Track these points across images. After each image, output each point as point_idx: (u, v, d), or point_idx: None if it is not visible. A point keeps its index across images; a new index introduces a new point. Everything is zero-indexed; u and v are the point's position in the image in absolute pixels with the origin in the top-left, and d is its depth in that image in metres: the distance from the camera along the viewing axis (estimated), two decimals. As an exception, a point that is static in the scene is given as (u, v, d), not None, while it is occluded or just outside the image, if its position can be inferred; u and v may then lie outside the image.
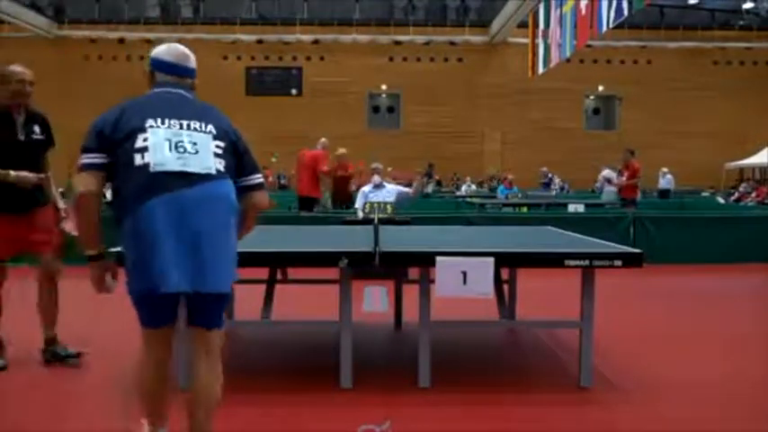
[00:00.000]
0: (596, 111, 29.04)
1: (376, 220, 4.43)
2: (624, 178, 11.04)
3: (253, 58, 27.08)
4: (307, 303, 4.91)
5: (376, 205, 7.20)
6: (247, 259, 2.82)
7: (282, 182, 23.78)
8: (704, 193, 21.53)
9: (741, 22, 27.21)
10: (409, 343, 4.09)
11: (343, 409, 3.25)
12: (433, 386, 3.52)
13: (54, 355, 3.91)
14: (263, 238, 3.77)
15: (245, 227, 2.56)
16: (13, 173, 3.69)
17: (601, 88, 27.45)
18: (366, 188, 8.26)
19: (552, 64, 14.86)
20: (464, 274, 3.22)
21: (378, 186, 8.10)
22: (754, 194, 19.32)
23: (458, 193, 20.07)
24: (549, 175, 16.69)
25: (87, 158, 2.35)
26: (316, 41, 26.67)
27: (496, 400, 3.39)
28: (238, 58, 26.89)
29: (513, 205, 12.62)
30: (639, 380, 3.73)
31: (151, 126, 2.33)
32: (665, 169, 19.19)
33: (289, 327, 4.63)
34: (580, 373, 3.58)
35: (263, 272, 4.50)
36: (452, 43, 26.90)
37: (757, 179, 24.33)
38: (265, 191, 2.63)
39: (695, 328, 5.19)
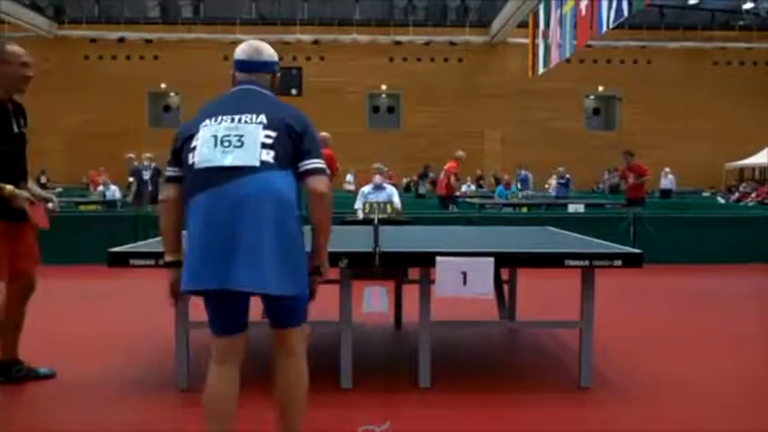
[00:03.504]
0: (596, 111, 29.01)
1: (376, 220, 4.42)
2: (631, 179, 10.98)
3: (253, 59, 27.05)
4: (307, 303, 4.90)
5: (376, 205, 7.20)
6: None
7: None
8: (705, 194, 21.54)
9: (741, 23, 27.18)
10: (409, 343, 4.09)
11: (343, 409, 3.25)
12: (432, 386, 3.52)
13: (20, 373, 3.49)
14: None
15: (313, 218, 2.40)
16: (9, 187, 3.08)
17: (601, 88, 27.43)
18: (366, 188, 8.27)
19: (552, 64, 14.85)
20: (464, 274, 3.22)
21: (378, 187, 8.10)
22: (754, 194, 19.28)
23: (458, 194, 20.02)
24: (567, 176, 16.54)
25: (168, 171, 2.49)
26: (316, 41, 26.65)
27: (496, 401, 3.39)
28: (238, 58, 26.86)
29: (514, 205, 12.63)
30: (639, 380, 3.73)
31: (204, 125, 2.37)
32: (667, 169, 19.24)
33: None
34: (580, 373, 3.58)
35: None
36: (452, 43, 26.87)
37: (757, 179, 24.30)
38: (324, 176, 2.39)
39: (695, 328, 5.19)
